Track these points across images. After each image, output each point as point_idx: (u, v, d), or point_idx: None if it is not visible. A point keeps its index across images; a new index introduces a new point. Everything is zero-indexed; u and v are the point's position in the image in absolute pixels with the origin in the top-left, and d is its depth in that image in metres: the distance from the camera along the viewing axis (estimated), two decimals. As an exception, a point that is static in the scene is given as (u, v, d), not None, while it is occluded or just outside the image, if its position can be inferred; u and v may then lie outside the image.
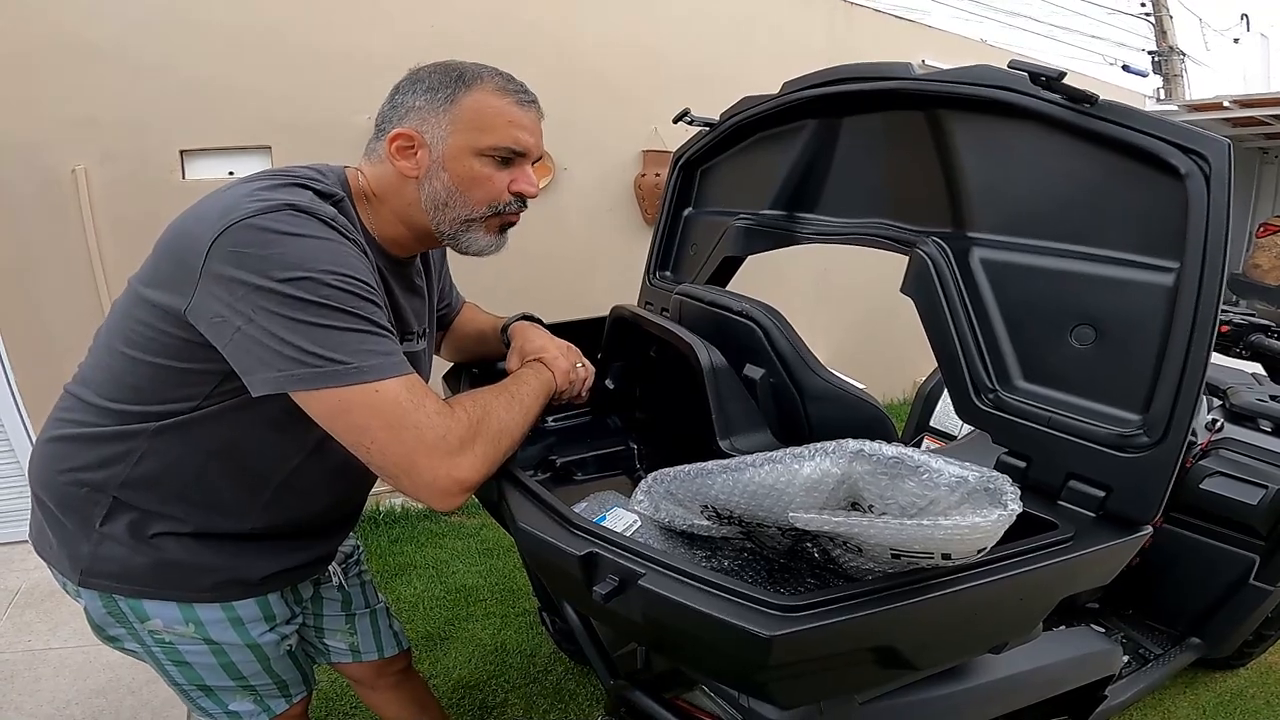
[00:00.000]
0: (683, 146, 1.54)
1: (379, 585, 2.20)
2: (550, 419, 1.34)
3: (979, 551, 0.62)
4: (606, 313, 1.31)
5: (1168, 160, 0.75)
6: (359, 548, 1.25)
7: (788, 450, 0.73)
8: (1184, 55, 6.26)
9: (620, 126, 2.89)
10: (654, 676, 1.07)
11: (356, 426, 0.74)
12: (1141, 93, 5.62)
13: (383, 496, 2.74)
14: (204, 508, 0.88)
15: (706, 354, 1.01)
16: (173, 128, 2.27)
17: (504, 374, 1.00)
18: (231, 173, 2.37)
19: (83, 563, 0.88)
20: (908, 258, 1.02)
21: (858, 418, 1.05)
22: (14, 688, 1.77)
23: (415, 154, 0.87)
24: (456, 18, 2.54)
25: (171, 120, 2.26)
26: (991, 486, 0.62)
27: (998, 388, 0.91)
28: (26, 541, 0.98)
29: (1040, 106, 0.84)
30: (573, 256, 2.92)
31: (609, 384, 1.32)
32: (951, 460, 0.65)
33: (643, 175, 2.94)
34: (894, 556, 0.65)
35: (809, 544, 0.82)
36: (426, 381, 0.84)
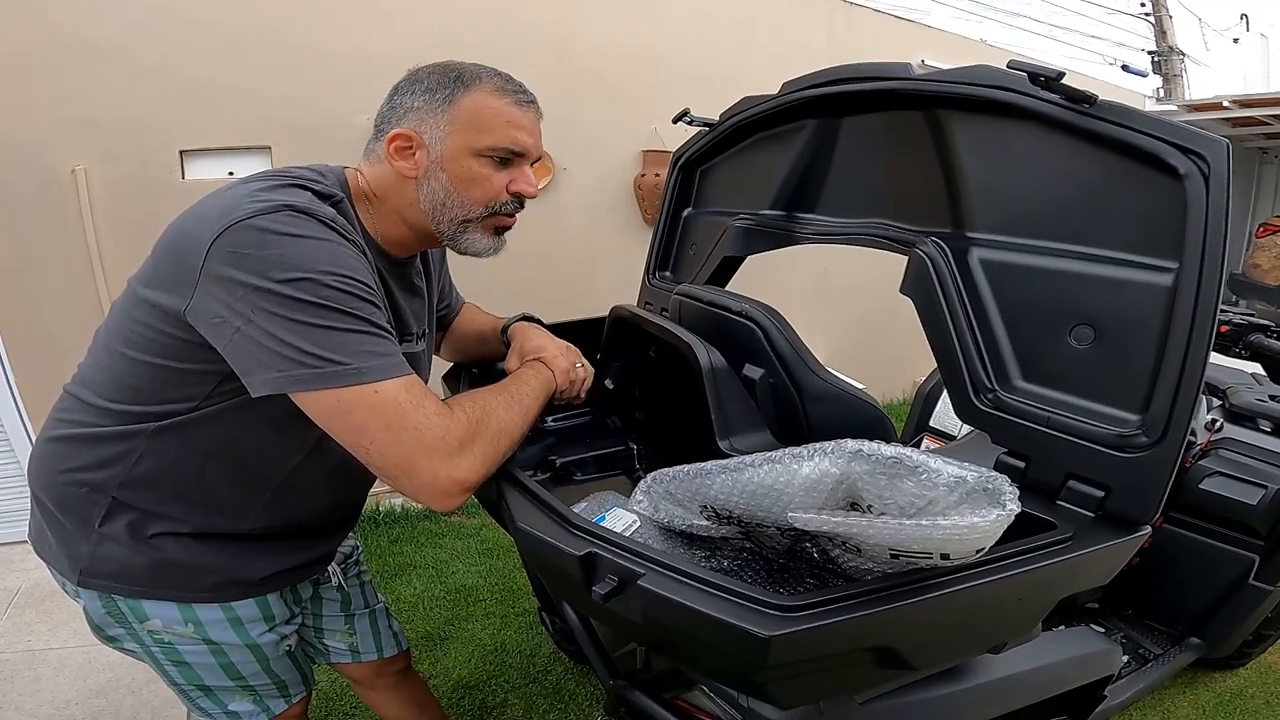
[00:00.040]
0: (682, 146, 1.54)
1: (379, 585, 2.21)
2: (550, 419, 1.34)
3: (977, 551, 0.62)
4: (606, 313, 1.31)
5: (1166, 160, 0.75)
6: (358, 548, 1.25)
7: (787, 450, 0.73)
8: (1183, 55, 6.26)
9: (620, 126, 2.89)
10: (653, 676, 1.07)
11: (355, 427, 0.74)
12: (1141, 93, 5.62)
13: (382, 496, 2.74)
14: (203, 508, 0.89)
15: (706, 354, 1.01)
16: (172, 128, 2.27)
17: (503, 374, 1.00)
18: (231, 173, 2.37)
19: (82, 563, 0.88)
20: (907, 258, 1.02)
21: (857, 418, 1.05)
22: (14, 688, 1.77)
23: (414, 154, 0.87)
24: (456, 18, 2.54)
25: (171, 120, 2.26)
26: (990, 486, 0.62)
27: (997, 388, 0.91)
28: (26, 542, 0.98)
29: (1039, 106, 0.84)
30: (573, 256, 2.92)
31: (608, 384, 1.32)
32: (950, 460, 0.65)
33: (642, 175, 2.94)
34: (893, 556, 0.65)
35: (808, 544, 0.82)
36: (426, 383, 0.84)
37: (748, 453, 0.80)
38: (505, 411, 0.86)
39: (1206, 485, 1.58)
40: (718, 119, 1.41)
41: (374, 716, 1.52)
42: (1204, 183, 0.73)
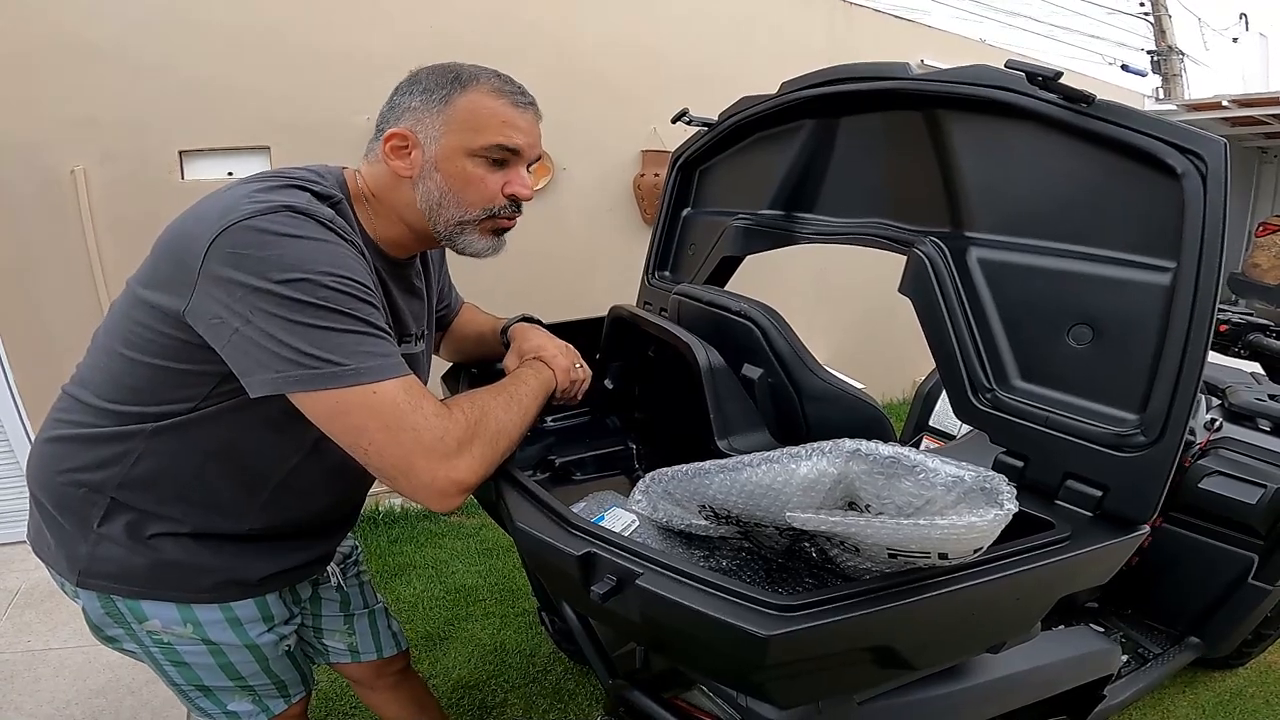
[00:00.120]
0: (681, 146, 1.54)
1: (378, 585, 2.22)
2: (549, 419, 1.34)
3: (975, 551, 0.62)
4: (605, 313, 1.31)
5: (1164, 160, 0.75)
6: (357, 548, 1.25)
7: (785, 450, 0.73)
8: (1183, 55, 6.26)
9: (620, 126, 2.89)
10: (653, 676, 1.07)
11: (354, 428, 0.74)
12: (1141, 92, 5.61)
13: (382, 497, 2.74)
14: (202, 508, 0.89)
15: (704, 354, 1.01)
16: (172, 128, 2.27)
17: (503, 374, 1.00)
18: (231, 173, 2.37)
19: (81, 563, 0.88)
20: (906, 258, 1.02)
21: (856, 418, 1.05)
22: (14, 688, 1.77)
23: (409, 154, 0.87)
24: (456, 18, 2.54)
25: (171, 120, 2.26)
26: (988, 486, 0.62)
27: (995, 387, 0.91)
28: (25, 542, 0.98)
29: (1037, 106, 0.84)
30: (572, 256, 2.92)
31: (608, 384, 1.32)
32: (948, 460, 0.65)
33: (642, 175, 2.94)
34: (891, 556, 0.65)
35: (807, 544, 0.82)
36: (426, 383, 0.84)
37: (746, 452, 0.80)
38: (504, 412, 0.86)
39: (1206, 484, 1.58)
40: (717, 119, 1.41)
41: (373, 716, 1.52)
42: (1202, 182, 0.73)
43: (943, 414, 1.85)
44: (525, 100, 0.89)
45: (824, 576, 0.82)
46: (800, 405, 1.05)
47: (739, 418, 1.01)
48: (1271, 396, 1.72)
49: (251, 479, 0.90)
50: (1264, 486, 1.52)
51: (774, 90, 1.25)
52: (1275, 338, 1.76)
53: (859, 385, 1.10)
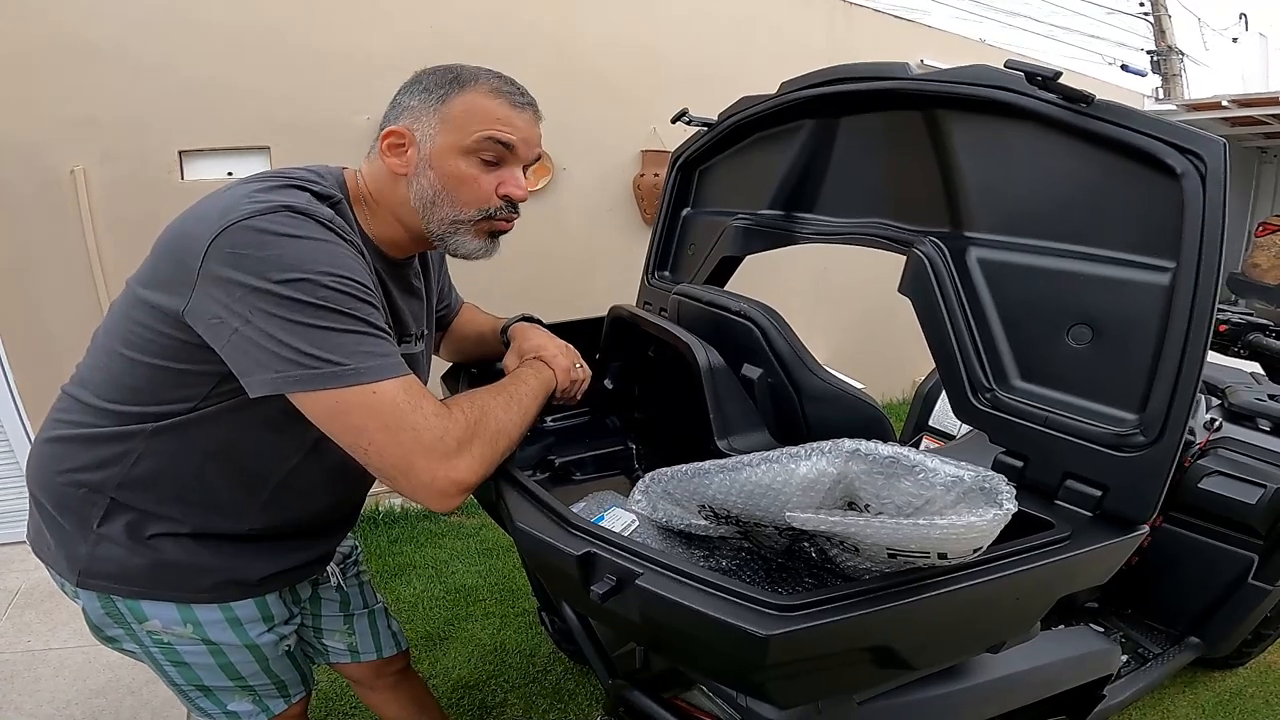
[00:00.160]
0: (681, 146, 1.54)
1: (378, 585, 2.22)
2: (549, 419, 1.34)
3: (975, 551, 0.62)
4: (605, 313, 1.31)
5: (1163, 160, 0.75)
6: (357, 548, 1.25)
7: (784, 450, 0.73)
8: (1183, 55, 6.26)
9: (619, 126, 2.89)
10: (652, 676, 1.07)
11: (354, 428, 0.74)
12: (1140, 92, 5.62)
13: (382, 497, 2.74)
14: (202, 508, 0.89)
15: (704, 354, 1.01)
16: (172, 128, 2.27)
17: (503, 374, 1.01)
18: (230, 173, 2.37)
19: (80, 563, 0.88)
20: (905, 258, 1.02)
21: (855, 418, 1.05)
22: (14, 688, 1.77)
23: (406, 152, 0.87)
24: (456, 18, 2.54)
25: (171, 120, 2.26)
26: (987, 486, 0.62)
27: (995, 387, 0.91)
28: (25, 542, 0.98)
29: (1037, 106, 0.84)
30: (572, 256, 2.92)
31: (607, 384, 1.32)
32: (947, 460, 0.65)
33: (642, 175, 2.95)
34: (890, 556, 0.65)
35: (806, 544, 0.82)
36: (426, 384, 0.84)
37: (746, 452, 0.80)
38: (504, 411, 0.86)
39: (1205, 484, 1.58)
40: (716, 119, 1.41)
41: (373, 716, 1.52)
42: (1201, 182, 0.73)
43: (942, 414, 1.85)
44: (523, 100, 0.89)
45: (824, 576, 0.82)
46: (800, 405, 1.06)
47: (739, 418, 1.01)
48: (1271, 396, 1.73)
49: (251, 479, 0.90)
50: (1264, 486, 1.52)
51: (774, 90, 1.25)
52: (1275, 338, 1.76)
53: (859, 385, 1.10)
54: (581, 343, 1.13)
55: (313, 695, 1.15)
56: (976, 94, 0.90)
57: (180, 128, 2.28)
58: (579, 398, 1.07)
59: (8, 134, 2.11)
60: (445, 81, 0.86)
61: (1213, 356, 1.88)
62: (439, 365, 1.23)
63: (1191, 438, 1.62)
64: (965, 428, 0.98)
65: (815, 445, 0.71)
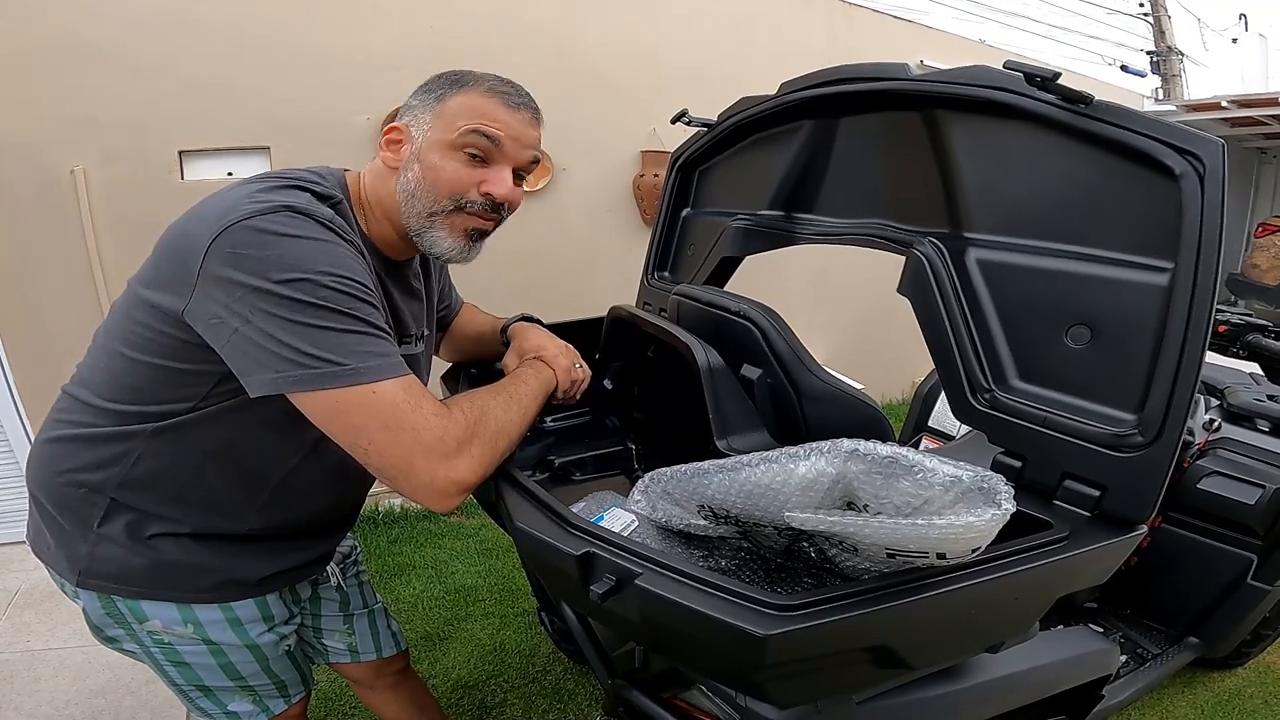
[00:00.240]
0: (681, 147, 1.54)
1: (378, 585, 2.22)
2: (549, 419, 1.34)
3: (973, 551, 0.62)
4: (605, 313, 1.31)
5: (1162, 160, 0.75)
6: (357, 548, 1.25)
7: (783, 450, 0.73)
8: (1182, 55, 6.26)
9: (619, 127, 2.89)
10: (652, 676, 1.07)
11: (354, 428, 0.74)
12: (1140, 93, 5.61)
13: (381, 497, 2.74)
14: (202, 508, 0.89)
15: (704, 354, 1.01)
16: (172, 128, 2.27)
17: (503, 374, 1.01)
18: (230, 173, 2.37)
19: (80, 563, 0.88)
20: (904, 258, 1.02)
21: (854, 418, 1.05)
22: (13, 688, 1.77)
23: (401, 147, 0.88)
24: (456, 18, 2.54)
25: (171, 120, 2.26)
26: (985, 486, 0.62)
27: (994, 387, 0.91)
28: (25, 542, 0.98)
29: (1036, 107, 0.84)
30: (572, 256, 2.92)
31: (607, 384, 1.32)
32: (946, 460, 0.65)
33: (641, 176, 2.95)
34: (889, 556, 0.65)
35: (805, 543, 0.82)
36: (426, 384, 0.84)
37: (745, 452, 0.80)
38: (503, 411, 0.86)
39: (1204, 485, 1.58)
40: (716, 119, 1.42)
41: (373, 717, 1.52)
42: (1199, 182, 0.73)
43: (942, 414, 1.85)
44: (518, 100, 0.88)
45: (823, 576, 0.82)
46: (799, 405, 1.06)
47: (738, 418, 1.01)
48: (1270, 397, 1.73)
49: (251, 479, 0.90)
50: (1262, 487, 1.52)
51: (773, 91, 1.25)
52: (1274, 338, 1.76)
53: (858, 385, 1.11)
54: (581, 343, 1.13)
55: (312, 695, 1.15)
56: (976, 95, 0.90)
57: (180, 128, 2.28)
58: (579, 398, 1.07)
59: (8, 134, 2.11)
60: (448, 83, 0.87)
61: (1212, 357, 1.88)
62: (439, 365, 1.24)
63: (1190, 438, 1.63)
64: (964, 428, 0.98)
65: (814, 445, 0.71)
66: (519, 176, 0.92)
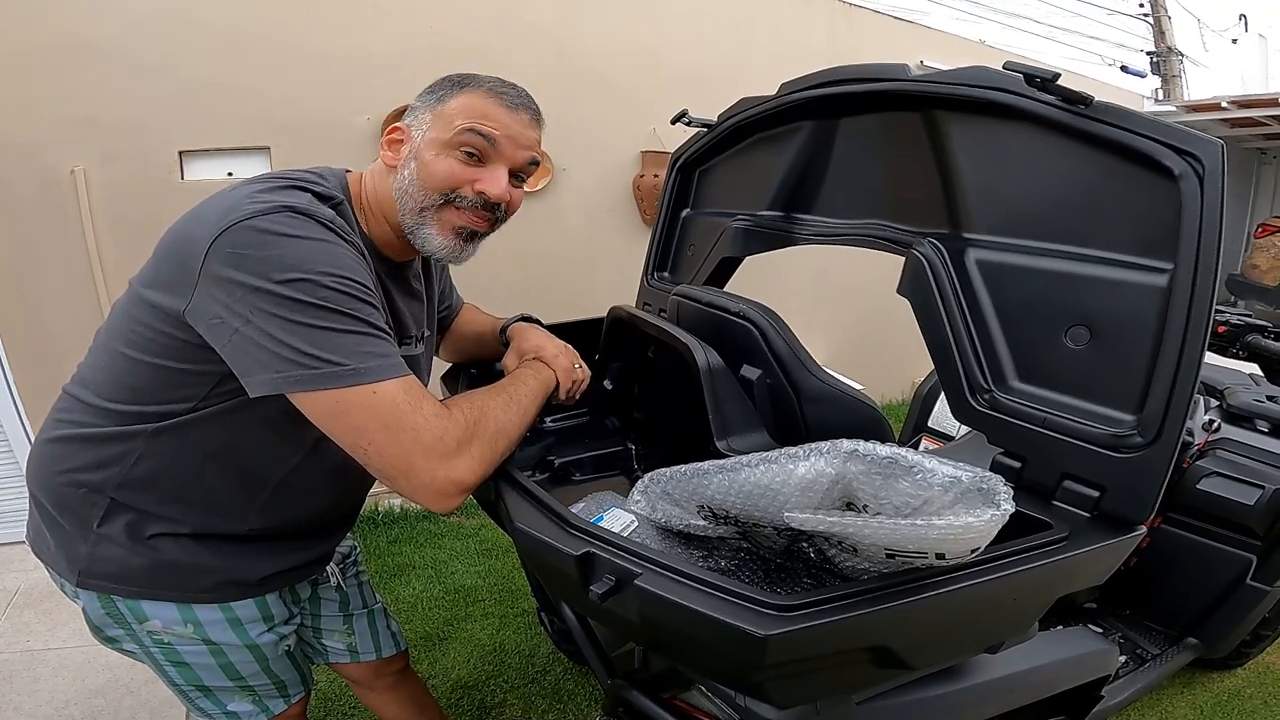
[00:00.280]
0: (681, 147, 1.54)
1: (378, 586, 2.22)
2: (548, 419, 1.34)
3: (972, 551, 0.63)
4: (605, 313, 1.31)
5: (1161, 161, 0.75)
6: (356, 548, 1.25)
7: (783, 450, 0.73)
8: (1182, 56, 6.26)
9: (619, 127, 2.89)
10: (651, 676, 1.07)
11: (354, 428, 0.74)
12: (1140, 93, 5.62)
13: (381, 497, 2.74)
14: (202, 508, 0.89)
15: (703, 355, 1.01)
16: (172, 128, 2.27)
17: (502, 374, 1.01)
18: (230, 173, 2.37)
19: (80, 563, 0.88)
20: (904, 259, 1.02)
21: (854, 418, 1.05)
22: (13, 688, 1.77)
23: (401, 147, 0.88)
24: (456, 18, 2.54)
25: (171, 121, 2.26)
26: (985, 486, 0.62)
27: (993, 388, 0.91)
28: (24, 542, 0.98)
29: (1035, 108, 0.84)
30: (572, 256, 2.92)
31: (607, 384, 1.32)
32: (945, 460, 0.65)
33: (641, 176, 2.95)
34: (889, 556, 0.65)
35: (805, 544, 0.82)
36: (426, 385, 0.84)
37: (745, 453, 0.80)
38: (503, 412, 0.86)
39: (1204, 486, 1.58)
40: (716, 120, 1.42)
41: (372, 717, 1.52)
42: (1198, 183, 0.73)
43: (941, 415, 1.85)
44: (517, 101, 0.89)
45: (822, 577, 0.82)
46: (799, 406, 1.06)
47: (738, 418, 1.01)
48: (1270, 398, 1.73)
49: (251, 479, 0.90)
50: (1262, 487, 1.53)
51: (773, 91, 1.25)
52: (1273, 339, 1.76)
53: (858, 386, 1.11)
54: (581, 343, 1.13)
55: (312, 695, 1.15)
56: (975, 95, 0.90)
57: (180, 128, 2.28)
58: (578, 398, 1.07)
59: (8, 134, 2.11)
60: (450, 84, 0.88)
61: (1211, 358, 1.89)
62: (438, 365, 1.24)
63: (1190, 439, 1.63)
64: (964, 429, 0.99)
65: (814, 446, 0.71)
66: (518, 179, 0.92)
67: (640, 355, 1.28)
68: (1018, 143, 0.90)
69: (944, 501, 0.63)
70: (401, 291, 0.96)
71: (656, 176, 2.86)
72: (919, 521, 0.60)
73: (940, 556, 0.62)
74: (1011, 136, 0.90)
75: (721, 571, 0.84)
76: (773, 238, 1.34)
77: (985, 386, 0.92)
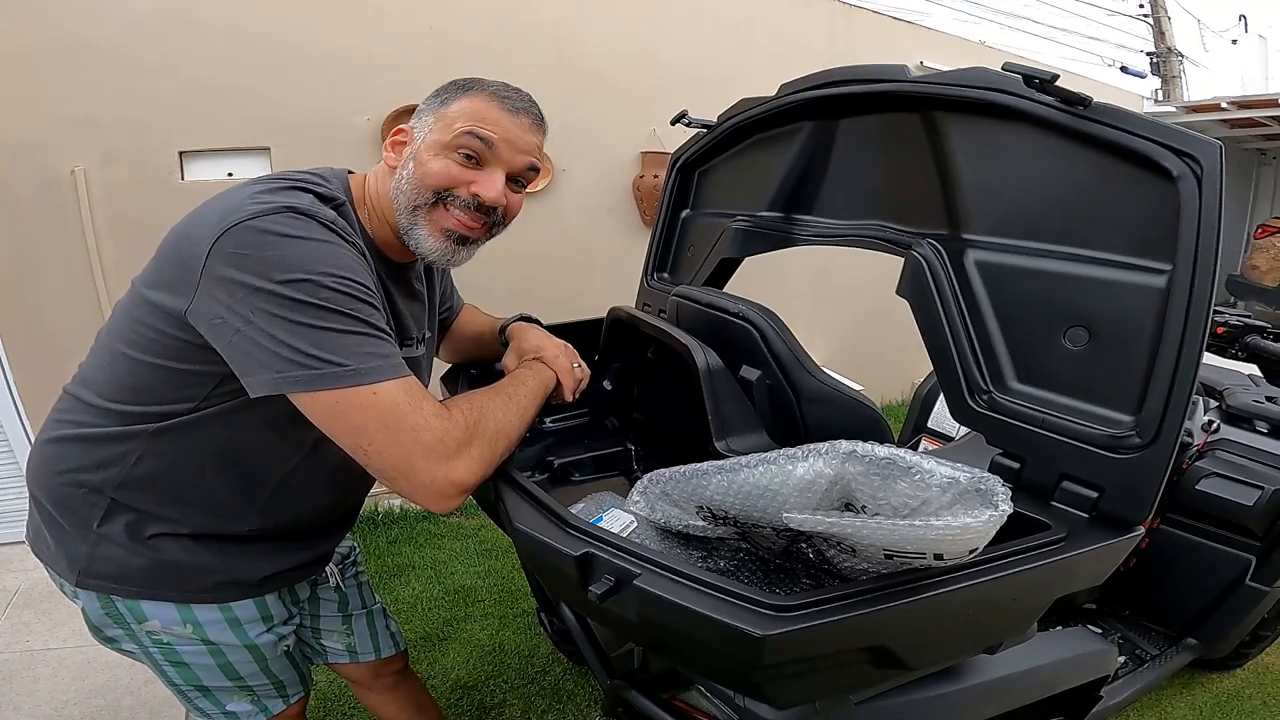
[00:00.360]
0: (680, 148, 1.54)
1: (377, 586, 2.22)
2: (548, 420, 1.34)
3: (971, 552, 0.63)
4: (604, 314, 1.31)
5: (1160, 162, 0.76)
6: (356, 548, 1.26)
7: (782, 451, 0.73)
8: (1182, 56, 6.26)
9: (619, 127, 2.90)
10: (651, 676, 1.07)
11: (354, 428, 0.74)
12: (1140, 94, 5.62)
13: (381, 497, 2.74)
14: (202, 509, 0.89)
15: (703, 355, 1.01)
16: (172, 128, 2.27)
17: (502, 374, 1.01)
18: (230, 174, 2.37)
19: (80, 564, 0.88)
20: (903, 260, 1.02)
21: (853, 419, 1.05)
22: (12, 688, 1.77)
23: (404, 148, 0.89)
24: (456, 18, 2.54)
25: (171, 121, 2.26)
26: (983, 487, 0.62)
27: (992, 389, 0.92)
28: (24, 542, 0.98)
29: (1034, 109, 0.84)
30: (572, 257, 2.92)
31: (606, 385, 1.32)
32: (943, 461, 0.65)
33: (641, 177, 2.95)
34: (887, 557, 0.66)
35: (804, 544, 0.82)
36: (427, 386, 0.85)
37: (744, 454, 0.80)
38: (503, 412, 0.86)
39: (1203, 486, 1.58)
40: (716, 121, 1.42)
41: (372, 717, 1.52)
42: (1197, 184, 0.73)
43: (941, 416, 1.85)
44: (518, 105, 0.89)
45: (821, 577, 0.82)
46: (798, 407, 1.06)
47: (737, 419, 1.01)
48: (1269, 399, 1.73)
49: (251, 480, 0.90)
50: (1261, 488, 1.53)
51: (773, 92, 1.25)
52: (1273, 340, 1.76)
53: (857, 387, 1.11)
54: (581, 343, 1.14)
55: (311, 695, 1.15)
56: (974, 96, 0.90)
57: (180, 128, 2.28)
58: (578, 398, 1.07)
59: (8, 134, 2.12)
60: (455, 88, 0.89)
61: (1211, 359, 1.89)
62: (439, 366, 1.24)
63: (1189, 440, 1.63)
64: (963, 429, 0.99)
65: (812, 447, 0.71)
66: (518, 184, 0.92)
67: (640, 356, 1.28)
68: (1017, 144, 0.90)
69: (942, 502, 0.63)
70: (403, 293, 0.96)
71: (656, 177, 2.86)
72: (917, 522, 0.60)
73: (939, 557, 0.62)
74: (1010, 137, 0.90)
75: (720, 572, 0.84)
76: (772, 238, 1.34)
77: (984, 387, 0.92)
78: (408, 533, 2.61)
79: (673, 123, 1.43)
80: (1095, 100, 0.80)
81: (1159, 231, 0.78)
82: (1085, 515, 0.81)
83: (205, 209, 0.78)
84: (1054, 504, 0.84)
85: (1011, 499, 0.62)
